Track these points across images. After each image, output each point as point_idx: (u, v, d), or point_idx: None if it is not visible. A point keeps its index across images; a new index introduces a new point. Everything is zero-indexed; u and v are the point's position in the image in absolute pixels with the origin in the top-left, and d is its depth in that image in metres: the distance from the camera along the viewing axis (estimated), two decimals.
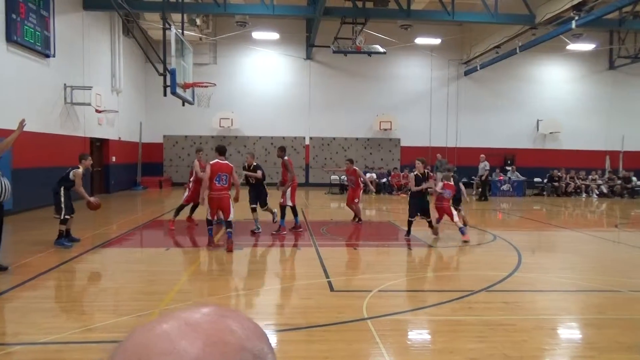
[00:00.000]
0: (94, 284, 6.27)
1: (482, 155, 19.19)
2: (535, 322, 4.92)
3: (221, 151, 8.48)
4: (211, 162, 8.31)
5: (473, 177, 21.99)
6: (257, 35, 21.23)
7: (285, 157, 10.24)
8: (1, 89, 11.71)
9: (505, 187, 20.49)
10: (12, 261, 6.98)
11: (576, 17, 15.17)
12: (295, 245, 9.13)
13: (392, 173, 21.54)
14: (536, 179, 22.33)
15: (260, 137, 23.04)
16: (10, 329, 4.57)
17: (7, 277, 6.28)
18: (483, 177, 18.79)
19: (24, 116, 13.28)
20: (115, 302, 5.61)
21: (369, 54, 17.94)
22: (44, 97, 13.72)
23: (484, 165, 18.75)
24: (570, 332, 4.92)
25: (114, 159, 18.94)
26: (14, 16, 11.96)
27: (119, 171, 19.46)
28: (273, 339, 4.35)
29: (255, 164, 10.02)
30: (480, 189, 19.22)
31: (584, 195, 20.99)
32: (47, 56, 13.73)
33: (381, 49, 17.59)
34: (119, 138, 19.54)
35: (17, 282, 6.02)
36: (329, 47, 18.23)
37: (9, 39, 11.91)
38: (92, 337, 4.34)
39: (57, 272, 6.64)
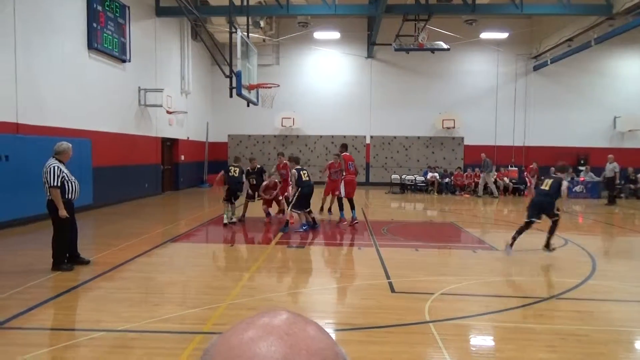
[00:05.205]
0: (165, 277, 6.62)
1: (610, 156, 17.45)
2: (611, 334, 4.64)
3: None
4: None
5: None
6: (318, 35, 21.42)
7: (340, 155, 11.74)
8: (84, 93, 12.63)
9: (577, 188, 19.30)
10: (92, 254, 7.53)
11: None
12: (352, 245, 9.16)
13: (455, 173, 20.94)
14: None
15: (321, 136, 23.24)
16: (93, 316, 4.94)
17: (88, 268, 6.79)
18: (615, 180, 17.07)
19: (104, 118, 14.21)
20: (184, 294, 5.90)
21: (432, 50, 17.49)
22: (121, 100, 14.65)
23: (613, 167, 16.99)
24: None
25: (182, 157, 19.86)
26: (94, 25, 12.85)
27: (187, 169, 20.39)
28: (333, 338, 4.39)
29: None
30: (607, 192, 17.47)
31: None
32: (124, 61, 14.64)
33: (445, 46, 17.12)
34: (188, 138, 20.46)
35: (97, 273, 6.50)
36: (391, 45, 17.98)
37: (90, 46, 12.82)
38: (164, 327, 4.59)
39: (132, 265, 7.09)
